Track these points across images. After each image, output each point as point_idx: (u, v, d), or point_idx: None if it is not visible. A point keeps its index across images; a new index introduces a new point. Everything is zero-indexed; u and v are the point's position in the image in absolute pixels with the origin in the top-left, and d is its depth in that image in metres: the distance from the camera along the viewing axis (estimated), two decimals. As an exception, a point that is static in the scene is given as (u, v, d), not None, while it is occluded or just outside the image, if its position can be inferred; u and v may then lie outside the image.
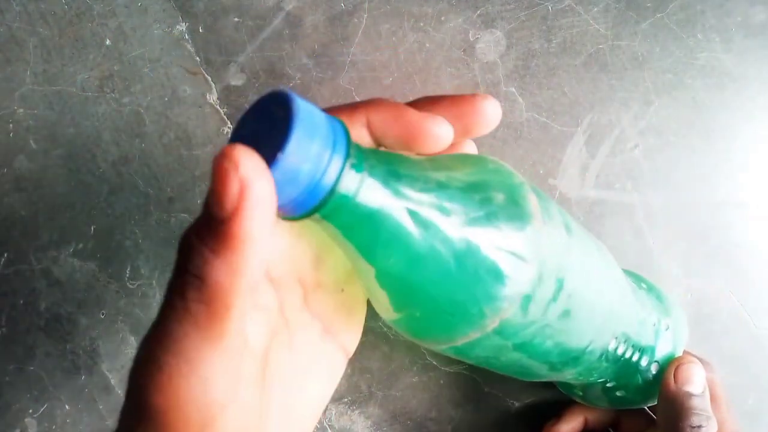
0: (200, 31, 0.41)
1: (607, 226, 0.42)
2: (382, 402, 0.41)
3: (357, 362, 0.41)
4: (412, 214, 0.19)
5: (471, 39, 0.42)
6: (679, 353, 0.33)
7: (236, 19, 0.42)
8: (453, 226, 0.19)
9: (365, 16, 0.42)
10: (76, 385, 0.41)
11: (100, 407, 0.41)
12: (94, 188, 0.41)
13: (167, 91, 0.41)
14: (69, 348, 0.41)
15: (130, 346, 0.41)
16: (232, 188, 0.15)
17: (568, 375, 0.29)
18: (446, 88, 0.42)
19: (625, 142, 0.42)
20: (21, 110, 0.40)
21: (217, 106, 0.41)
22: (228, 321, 0.16)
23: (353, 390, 0.41)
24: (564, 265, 0.22)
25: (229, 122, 0.41)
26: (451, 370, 0.41)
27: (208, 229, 0.16)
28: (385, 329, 0.41)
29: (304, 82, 0.42)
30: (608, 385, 0.32)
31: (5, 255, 0.40)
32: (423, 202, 0.19)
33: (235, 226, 0.15)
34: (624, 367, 0.31)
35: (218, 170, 0.15)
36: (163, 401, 0.16)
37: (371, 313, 0.42)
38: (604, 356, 0.29)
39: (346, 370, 0.41)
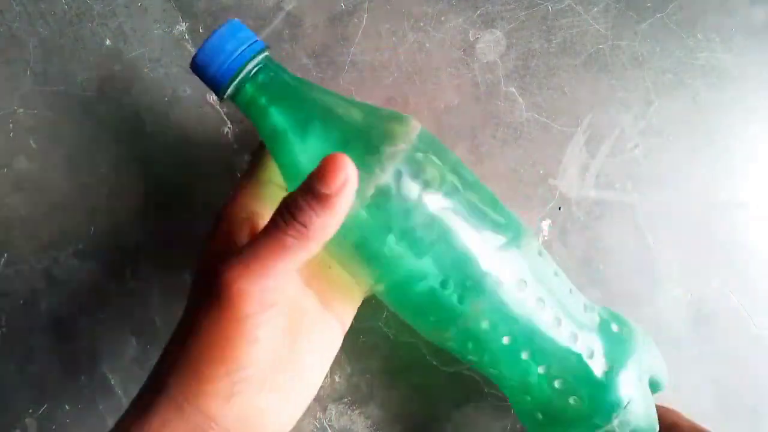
0: (200, 31, 0.41)
1: (607, 226, 0.42)
2: (382, 402, 0.41)
3: (357, 362, 0.41)
4: (308, 92, 0.29)
5: (471, 39, 0.42)
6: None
7: (236, 19, 0.42)
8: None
9: (365, 16, 0.42)
10: (76, 386, 0.41)
11: (100, 407, 0.41)
12: (94, 188, 0.41)
13: (167, 91, 0.41)
14: (69, 348, 0.41)
15: (130, 347, 0.41)
16: (339, 179, 0.23)
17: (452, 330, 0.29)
18: (446, 88, 0.42)
19: (625, 142, 0.42)
20: (21, 110, 0.40)
21: (217, 106, 0.41)
22: (306, 257, 0.25)
23: (353, 390, 0.41)
24: (440, 177, 0.27)
25: (229, 122, 0.41)
26: (451, 370, 0.41)
27: (315, 198, 0.23)
28: (386, 330, 0.41)
29: (304, 82, 0.42)
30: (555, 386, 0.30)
31: (5, 255, 0.40)
32: (322, 94, 0.29)
33: (335, 200, 0.23)
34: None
35: (331, 164, 0.23)
36: (237, 283, 0.24)
37: (371, 314, 0.42)
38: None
39: (346, 369, 0.41)
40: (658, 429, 0.31)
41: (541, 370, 0.28)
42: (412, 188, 0.27)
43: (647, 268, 0.43)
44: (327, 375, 0.41)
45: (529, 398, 0.30)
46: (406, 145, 0.27)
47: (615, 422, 0.28)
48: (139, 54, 0.41)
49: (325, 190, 0.23)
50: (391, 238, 0.27)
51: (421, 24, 0.42)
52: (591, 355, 0.29)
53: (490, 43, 0.42)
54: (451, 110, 0.42)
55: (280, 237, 0.24)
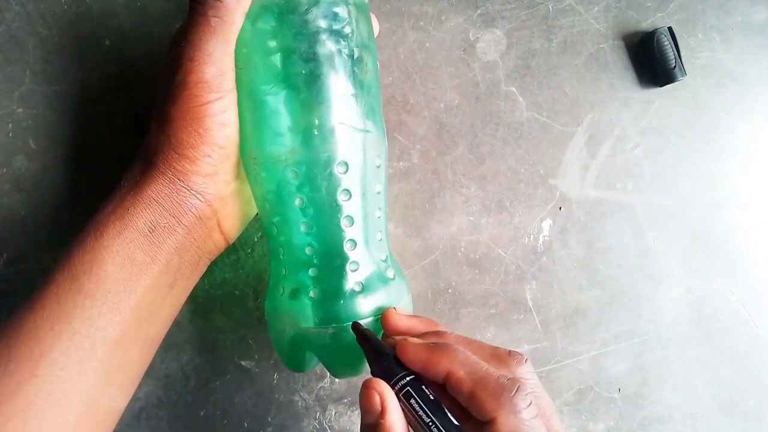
0: (200, 30, 0.41)
1: (607, 226, 0.42)
2: (382, 402, 0.41)
3: (357, 362, 0.41)
4: None
5: (471, 38, 0.42)
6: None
7: (236, 19, 0.41)
8: None
9: (365, 15, 0.42)
10: (76, 385, 0.41)
11: (100, 407, 0.41)
12: (95, 188, 0.41)
13: (167, 91, 0.41)
14: (69, 348, 0.41)
15: (130, 346, 0.41)
16: None
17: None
18: (446, 88, 0.42)
19: (625, 141, 0.42)
20: (20, 110, 0.40)
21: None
22: (232, 30, 0.28)
23: (353, 390, 0.41)
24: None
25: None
26: (452, 370, 0.41)
27: None
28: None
29: (304, 82, 0.41)
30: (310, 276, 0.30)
31: (5, 255, 0.40)
32: None
33: None
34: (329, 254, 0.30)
35: None
36: (190, 77, 0.28)
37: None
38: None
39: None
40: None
41: (308, 251, 0.30)
42: (319, 21, 0.29)
43: (647, 268, 0.43)
44: (327, 376, 0.41)
45: (284, 266, 0.31)
46: None
47: (329, 330, 0.29)
48: (139, 54, 0.41)
49: None
50: (277, 48, 0.29)
51: (422, 23, 0.42)
52: (355, 270, 0.30)
53: (490, 43, 0.42)
54: (452, 110, 0.42)
55: (204, 20, 0.27)
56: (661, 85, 0.42)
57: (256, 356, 0.40)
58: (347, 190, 0.29)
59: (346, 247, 0.30)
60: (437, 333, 0.28)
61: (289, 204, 0.30)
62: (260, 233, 0.40)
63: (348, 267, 0.30)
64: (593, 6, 0.42)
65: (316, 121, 0.29)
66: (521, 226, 0.42)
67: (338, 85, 0.29)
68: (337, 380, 0.41)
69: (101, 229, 0.28)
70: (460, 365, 0.25)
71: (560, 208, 0.42)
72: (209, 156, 0.29)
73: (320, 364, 0.37)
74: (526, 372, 0.25)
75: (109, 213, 0.29)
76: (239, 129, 0.30)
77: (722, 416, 0.43)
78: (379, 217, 0.31)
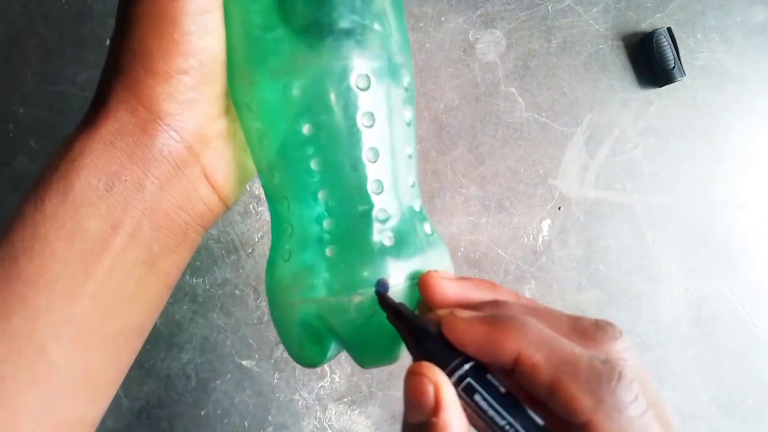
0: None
1: (607, 226, 0.42)
2: (382, 402, 0.41)
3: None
4: None
5: (471, 39, 0.42)
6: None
7: (236, 19, 0.42)
8: None
9: (365, 16, 0.42)
10: (77, 385, 0.41)
11: (101, 407, 0.41)
12: (95, 188, 0.41)
13: (167, 91, 0.41)
14: (69, 348, 0.41)
15: (131, 346, 0.41)
16: None
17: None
18: (446, 88, 0.42)
19: (625, 142, 0.42)
20: (21, 110, 0.40)
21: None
22: None
23: (353, 390, 0.41)
24: None
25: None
26: (451, 370, 0.41)
27: None
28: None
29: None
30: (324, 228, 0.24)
31: (5, 255, 0.40)
32: None
33: None
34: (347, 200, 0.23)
35: None
36: None
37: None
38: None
39: (346, 369, 0.41)
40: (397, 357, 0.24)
41: (321, 195, 0.23)
42: None
43: (647, 268, 0.43)
44: (327, 375, 0.41)
45: (289, 221, 0.24)
46: None
47: (353, 299, 0.22)
48: (140, 54, 0.41)
49: None
50: None
51: (421, 24, 0.42)
52: (384, 219, 0.23)
53: (490, 43, 0.42)
54: (451, 110, 0.42)
55: None
56: (661, 86, 0.42)
57: (257, 356, 0.40)
58: (370, 113, 0.23)
59: (371, 188, 0.23)
60: (495, 303, 0.21)
61: (294, 133, 0.23)
62: (261, 233, 0.40)
63: (375, 214, 0.23)
64: (592, 7, 0.42)
65: (329, 17, 0.22)
66: (521, 226, 0.42)
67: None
68: (337, 379, 0.41)
69: (41, 193, 0.21)
70: (535, 345, 0.18)
71: (560, 208, 0.42)
72: (186, 73, 0.21)
73: (326, 357, 0.26)
74: (624, 350, 0.18)
75: (52, 170, 0.21)
76: (227, 42, 0.23)
77: (721, 416, 0.43)
78: (410, 156, 0.25)
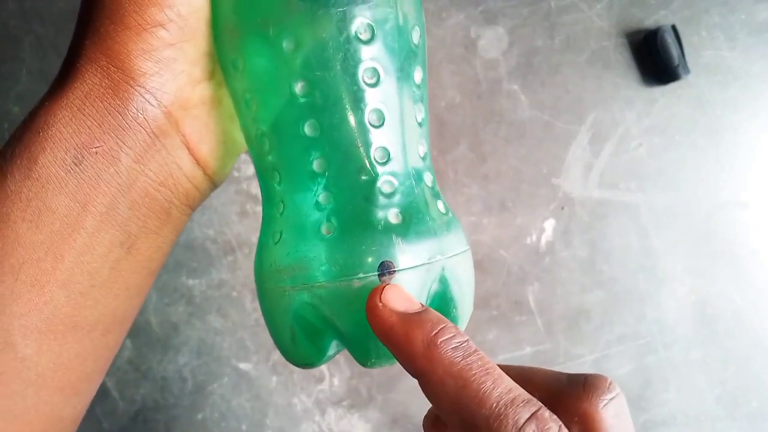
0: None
1: (611, 226, 0.42)
2: (381, 405, 0.40)
3: (356, 365, 0.40)
4: None
5: (473, 36, 0.41)
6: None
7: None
8: None
9: (365, 13, 0.41)
10: (72, 388, 0.41)
11: (96, 410, 0.41)
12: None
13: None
14: (65, 350, 0.41)
15: (126, 348, 0.41)
16: None
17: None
18: (447, 86, 0.41)
19: (629, 140, 0.42)
20: (17, 109, 0.40)
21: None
22: None
23: (353, 393, 0.40)
24: None
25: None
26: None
27: None
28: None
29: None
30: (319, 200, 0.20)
31: (0, 256, 0.40)
32: None
33: None
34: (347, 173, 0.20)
35: None
36: None
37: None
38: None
39: (345, 372, 0.40)
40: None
41: (317, 165, 0.20)
42: None
43: (651, 269, 0.42)
44: (326, 378, 0.40)
45: (280, 198, 0.21)
46: None
47: (353, 285, 0.19)
48: (136, 52, 0.41)
49: None
50: None
51: (422, 21, 0.41)
52: (389, 193, 0.20)
53: (492, 40, 0.42)
54: (453, 108, 0.41)
55: None
56: (665, 84, 0.42)
57: (254, 359, 0.40)
58: (373, 69, 0.19)
59: (375, 156, 0.20)
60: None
61: (286, 94, 0.20)
62: (258, 234, 0.40)
63: (379, 186, 0.19)
64: (596, 3, 0.42)
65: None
66: (523, 227, 0.41)
67: None
68: (336, 383, 0.40)
69: (3, 168, 0.19)
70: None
71: (563, 208, 0.41)
72: (162, 26, 0.19)
73: (324, 357, 0.23)
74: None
75: (15, 143, 0.19)
76: None
77: (726, 418, 0.42)
78: (420, 123, 0.21)
